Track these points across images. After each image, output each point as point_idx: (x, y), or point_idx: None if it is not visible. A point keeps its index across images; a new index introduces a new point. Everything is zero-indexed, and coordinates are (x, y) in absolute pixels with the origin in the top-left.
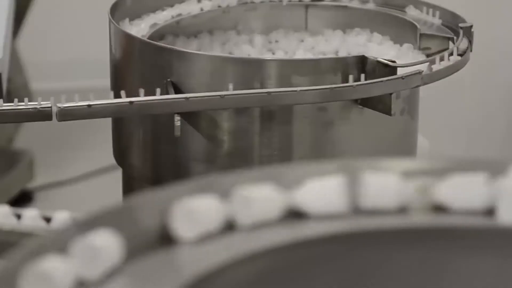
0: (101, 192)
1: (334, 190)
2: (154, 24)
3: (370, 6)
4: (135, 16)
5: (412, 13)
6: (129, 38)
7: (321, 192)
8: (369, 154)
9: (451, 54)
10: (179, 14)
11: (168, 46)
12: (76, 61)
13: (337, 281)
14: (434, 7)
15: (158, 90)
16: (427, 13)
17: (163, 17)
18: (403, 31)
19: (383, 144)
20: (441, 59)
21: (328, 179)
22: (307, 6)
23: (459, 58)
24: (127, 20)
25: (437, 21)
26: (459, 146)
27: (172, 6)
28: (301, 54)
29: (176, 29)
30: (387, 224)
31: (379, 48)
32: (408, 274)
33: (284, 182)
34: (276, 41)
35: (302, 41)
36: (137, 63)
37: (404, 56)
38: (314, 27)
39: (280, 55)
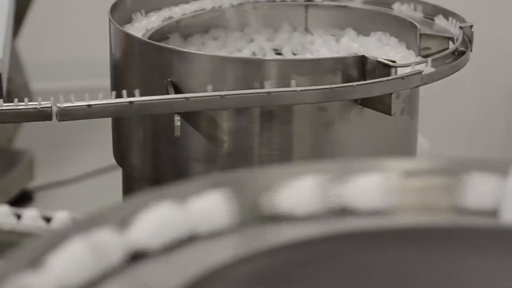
0: (101, 192)
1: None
2: (170, 17)
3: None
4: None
5: (441, 23)
6: (129, 38)
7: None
8: (369, 154)
9: (451, 54)
10: (203, 8)
11: (168, 46)
12: (76, 61)
13: (337, 281)
14: (459, 17)
15: (157, 90)
16: (452, 23)
17: (180, 10)
18: (403, 31)
19: (383, 144)
20: (441, 59)
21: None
22: (307, 6)
23: (459, 58)
24: (141, 12)
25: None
26: (459, 146)
27: (187, 2)
28: (326, 53)
29: (176, 29)
30: (387, 224)
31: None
32: (407, 274)
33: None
34: (312, 42)
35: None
36: (137, 63)
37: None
38: (317, 27)
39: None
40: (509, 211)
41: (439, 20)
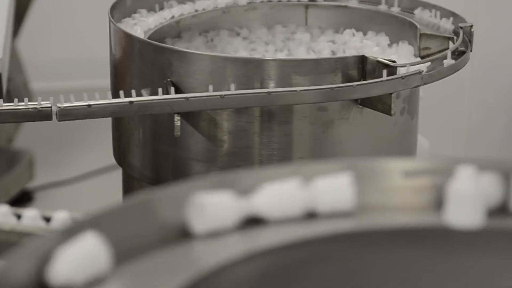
0: (101, 192)
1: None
2: (180, 15)
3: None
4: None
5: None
6: (129, 38)
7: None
8: (369, 154)
9: (451, 54)
10: (203, 8)
11: (168, 46)
12: (76, 61)
13: (337, 281)
14: (459, 17)
15: (158, 90)
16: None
17: (180, 10)
18: (403, 31)
19: (383, 144)
20: (441, 59)
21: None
22: (307, 6)
23: (459, 58)
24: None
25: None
26: (459, 146)
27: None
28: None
29: (176, 29)
30: (387, 224)
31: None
32: (407, 274)
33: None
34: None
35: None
36: (137, 63)
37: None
38: (317, 27)
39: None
40: (452, 212)
41: (418, 12)
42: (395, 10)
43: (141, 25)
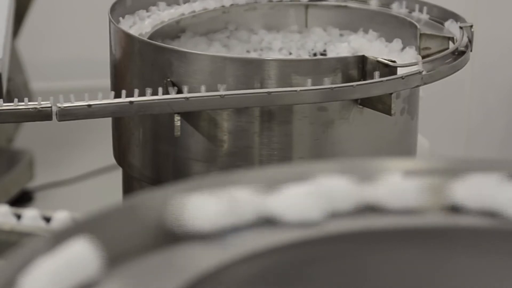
0: (101, 192)
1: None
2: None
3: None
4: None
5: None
6: (129, 38)
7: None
8: (369, 154)
9: (451, 54)
10: (204, 8)
11: (168, 46)
12: (76, 61)
13: (337, 281)
14: (459, 17)
15: (157, 90)
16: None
17: (180, 10)
18: (403, 31)
19: (383, 144)
20: (441, 59)
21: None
22: (307, 6)
23: (459, 58)
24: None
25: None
26: (459, 146)
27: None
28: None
29: (176, 29)
30: (388, 224)
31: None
32: (407, 274)
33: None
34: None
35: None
36: (137, 63)
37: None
38: (317, 27)
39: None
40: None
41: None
42: (424, 17)
43: (154, 18)
